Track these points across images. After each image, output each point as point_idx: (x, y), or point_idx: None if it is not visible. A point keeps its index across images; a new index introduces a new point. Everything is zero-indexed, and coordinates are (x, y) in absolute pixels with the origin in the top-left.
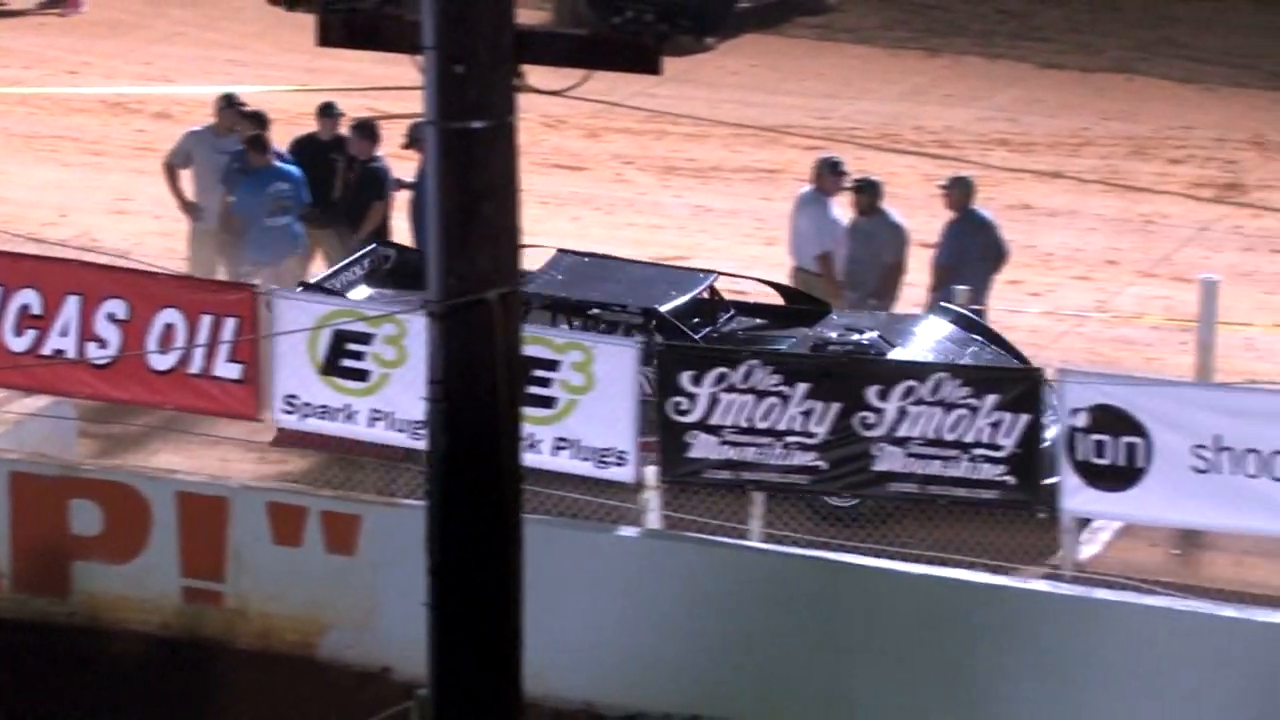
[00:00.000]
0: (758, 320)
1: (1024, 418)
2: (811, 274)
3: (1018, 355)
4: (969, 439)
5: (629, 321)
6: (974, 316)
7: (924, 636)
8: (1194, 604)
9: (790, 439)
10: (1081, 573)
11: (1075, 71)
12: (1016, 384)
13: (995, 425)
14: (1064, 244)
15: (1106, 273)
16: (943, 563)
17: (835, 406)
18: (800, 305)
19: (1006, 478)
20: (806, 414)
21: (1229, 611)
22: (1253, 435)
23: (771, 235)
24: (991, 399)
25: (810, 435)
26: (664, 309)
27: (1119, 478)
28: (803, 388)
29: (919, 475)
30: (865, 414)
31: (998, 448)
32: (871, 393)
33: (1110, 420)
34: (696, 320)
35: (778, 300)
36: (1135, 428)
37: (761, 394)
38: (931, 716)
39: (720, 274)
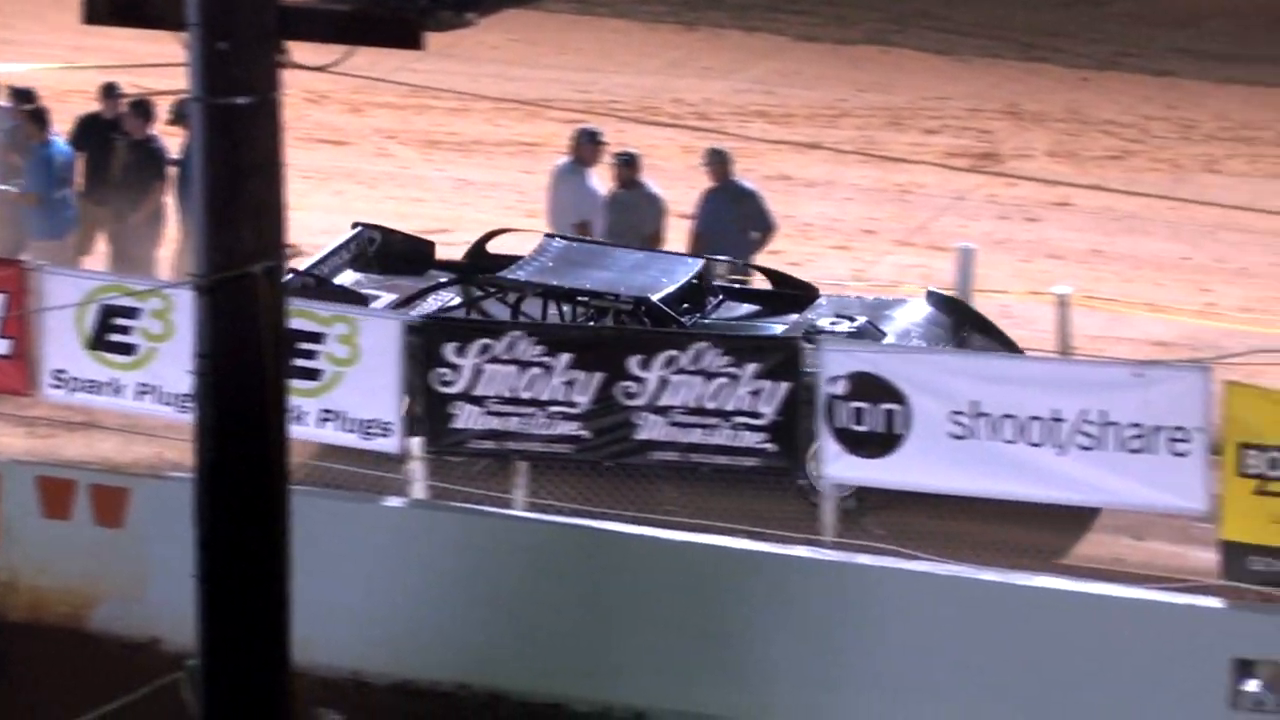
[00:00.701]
0: (746, 306)
1: (784, 386)
2: None
3: (1008, 342)
4: (730, 407)
5: (620, 309)
6: (964, 302)
7: (687, 602)
8: (955, 568)
9: (553, 409)
10: (842, 538)
11: (831, 44)
12: (776, 353)
13: (756, 393)
14: (822, 214)
15: (864, 242)
16: (705, 529)
17: (598, 376)
18: (788, 290)
19: (767, 445)
20: (569, 384)
21: (990, 575)
22: (1009, 401)
23: (532, 207)
24: (752, 368)
25: (573, 405)
26: (656, 297)
27: (878, 444)
28: (565, 358)
29: (681, 444)
30: (627, 383)
31: (758, 416)
32: (633, 362)
33: (869, 387)
34: (685, 307)
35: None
36: (894, 395)
37: (525, 364)
38: (696, 681)
39: (709, 259)
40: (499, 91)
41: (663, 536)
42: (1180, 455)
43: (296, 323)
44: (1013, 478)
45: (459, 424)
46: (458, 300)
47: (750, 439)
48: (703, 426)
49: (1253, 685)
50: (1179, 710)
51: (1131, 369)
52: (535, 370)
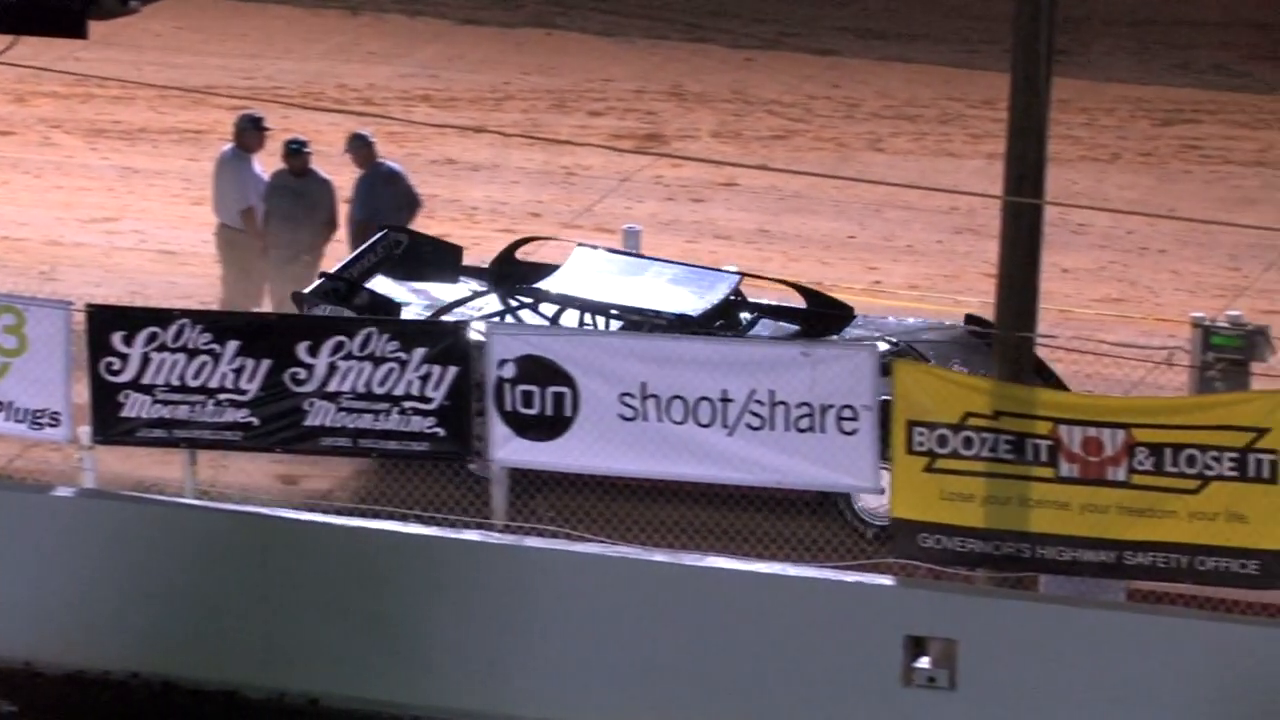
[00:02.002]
0: (782, 325)
1: (452, 370)
2: (235, 230)
3: (1049, 373)
4: (399, 392)
5: (658, 326)
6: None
7: (359, 588)
8: (624, 550)
9: (222, 396)
10: (512, 522)
11: (495, 27)
12: (444, 337)
13: (425, 378)
14: (488, 197)
15: (530, 225)
16: (375, 514)
17: (266, 363)
18: (824, 310)
19: (437, 429)
20: (238, 371)
21: (660, 557)
22: (678, 382)
23: (199, 195)
24: (420, 352)
25: (242, 392)
26: (696, 314)
27: (547, 427)
28: (233, 345)
29: (350, 429)
30: (296, 370)
31: (428, 400)
32: (302, 349)
33: (538, 370)
34: (720, 324)
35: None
36: (563, 377)
37: (193, 352)
38: (368, 668)
39: (745, 275)
40: (163, 79)
41: (334, 522)
42: (849, 434)
43: None
44: (682, 459)
45: (127, 412)
46: (488, 310)
47: (420, 424)
48: (372, 412)
49: (924, 662)
50: (852, 688)
51: (799, 348)
52: (204, 358)
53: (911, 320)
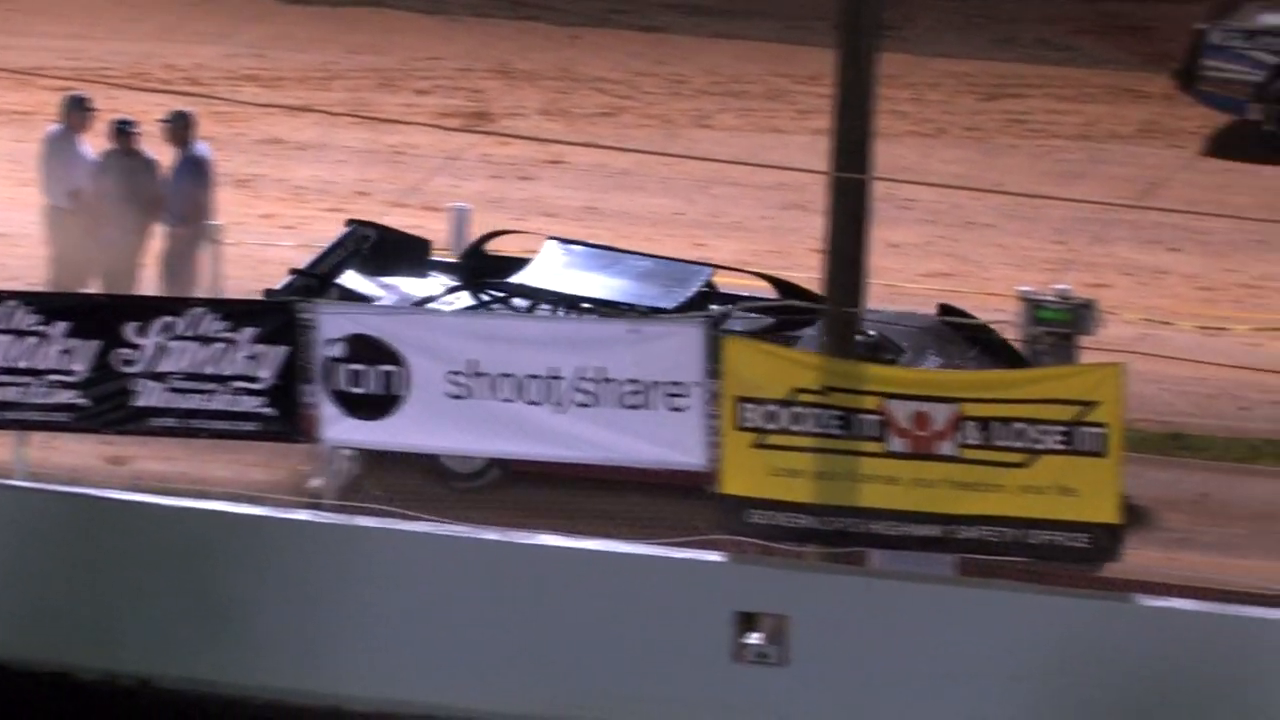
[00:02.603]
0: (755, 317)
1: (282, 350)
2: (63, 210)
3: (1014, 353)
4: (228, 372)
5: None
6: (976, 319)
7: (188, 568)
8: (455, 528)
9: (51, 377)
10: (344, 501)
11: (323, 6)
12: (274, 317)
13: (254, 358)
14: (315, 177)
15: (358, 204)
16: (205, 495)
17: (94, 344)
18: (797, 300)
19: (266, 409)
20: (67, 352)
21: (491, 535)
22: (507, 360)
23: (25, 176)
24: (249, 332)
25: (71, 373)
26: (672, 306)
27: (376, 406)
28: (62, 326)
29: (180, 410)
30: (125, 350)
31: (256, 380)
32: (130, 329)
33: (366, 350)
34: (694, 315)
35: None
36: (391, 356)
37: (22, 334)
38: (198, 649)
39: (718, 267)
40: None
41: (162, 503)
42: (678, 410)
43: None
44: (512, 436)
45: None
46: (460, 305)
47: (249, 403)
48: (201, 392)
49: (755, 638)
50: (682, 664)
51: (628, 326)
52: (32, 339)
53: (886, 310)
